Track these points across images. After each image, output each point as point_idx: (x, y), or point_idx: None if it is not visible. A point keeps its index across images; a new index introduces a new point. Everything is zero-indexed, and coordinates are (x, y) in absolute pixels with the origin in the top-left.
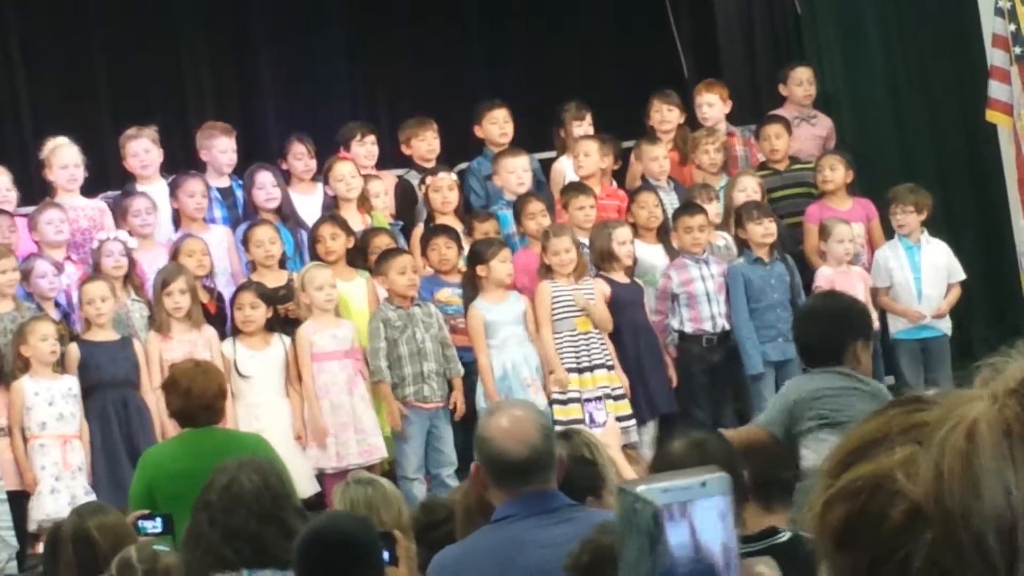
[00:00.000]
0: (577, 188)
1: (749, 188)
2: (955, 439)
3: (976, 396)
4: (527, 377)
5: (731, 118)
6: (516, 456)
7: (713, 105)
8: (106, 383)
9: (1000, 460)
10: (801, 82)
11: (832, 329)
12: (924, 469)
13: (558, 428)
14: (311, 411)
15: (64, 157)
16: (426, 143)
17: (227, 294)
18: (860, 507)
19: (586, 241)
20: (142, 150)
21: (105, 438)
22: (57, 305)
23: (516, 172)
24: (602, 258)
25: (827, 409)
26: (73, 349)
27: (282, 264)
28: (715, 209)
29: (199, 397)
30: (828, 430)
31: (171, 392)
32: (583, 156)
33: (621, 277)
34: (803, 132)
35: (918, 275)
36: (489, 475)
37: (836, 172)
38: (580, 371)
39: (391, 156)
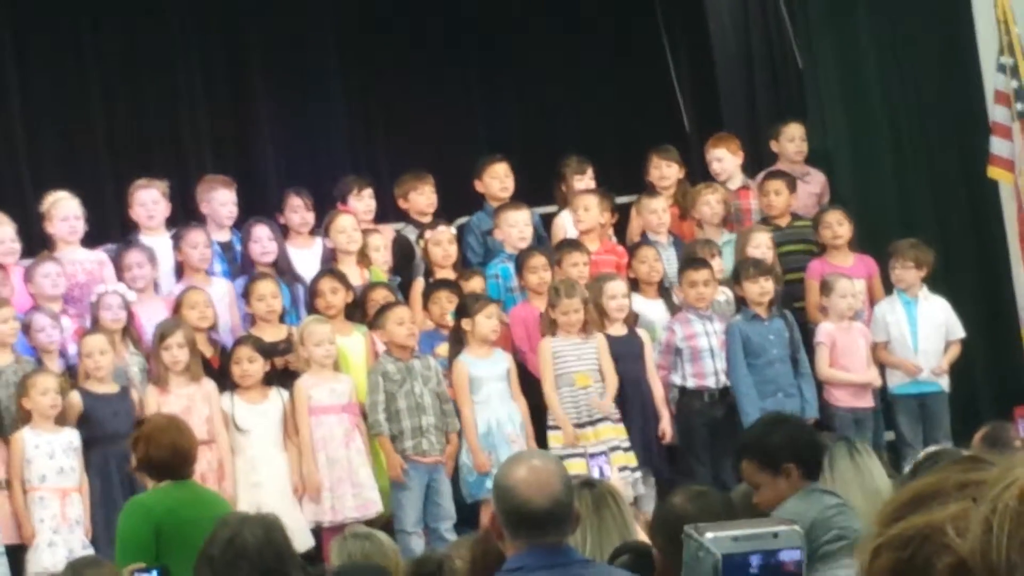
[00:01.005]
0: (571, 245)
1: (763, 244)
2: (1008, 498)
3: None
4: (511, 433)
5: (744, 170)
6: (538, 507)
7: (723, 159)
8: (108, 436)
9: None
10: (793, 138)
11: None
12: (974, 525)
13: (578, 477)
14: (306, 464)
15: (65, 209)
16: (424, 197)
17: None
18: (908, 557)
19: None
20: (150, 201)
21: (105, 492)
22: (62, 355)
23: (518, 226)
24: (596, 311)
25: (839, 527)
26: (75, 398)
27: (281, 318)
28: (717, 264)
29: (183, 448)
30: (847, 553)
31: (151, 443)
32: (583, 211)
33: (617, 330)
34: (797, 189)
35: (915, 330)
36: (506, 524)
37: (843, 227)
38: (582, 426)
39: (389, 210)
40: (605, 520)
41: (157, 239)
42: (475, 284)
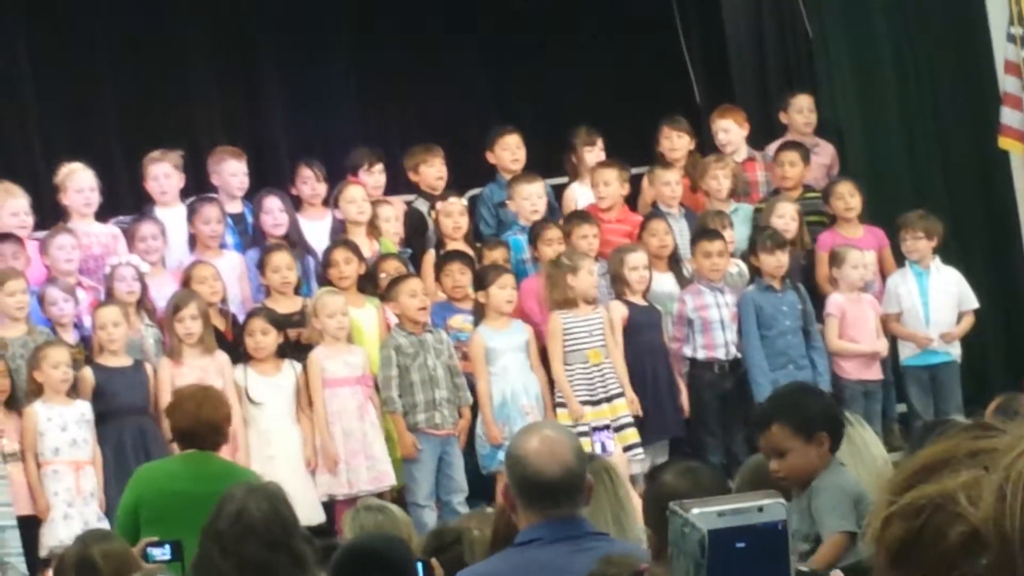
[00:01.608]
0: (579, 217)
1: (787, 215)
2: (1021, 465)
3: None
4: (526, 405)
5: (749, 142)
6: (550, 476)
7: (729, 131)
8: (122, 410)
9: None
10: (801, 109)
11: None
12: (987, 493)
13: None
14: (322, 437)
15: (79, 181)
16: (434, 170)
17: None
18: (919, 526)
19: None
20: (162, 174)
21: (119, 465)
22: (76, 326)
23: (531, 198)
24: (614, 282)
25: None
26: (87, 373)
27: (296, 290)
28: (728, 236)
29: (208, 418)
30: None
31: (177, 411)
32: (603, 185)
33: (638, 300)
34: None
35: (926, 300)
36: (518, 495)
37: (855, 198)
38: (595, 403)
39: (400, 182)
40: (598, 496)
41: (171, 212)
42: (497, 254)
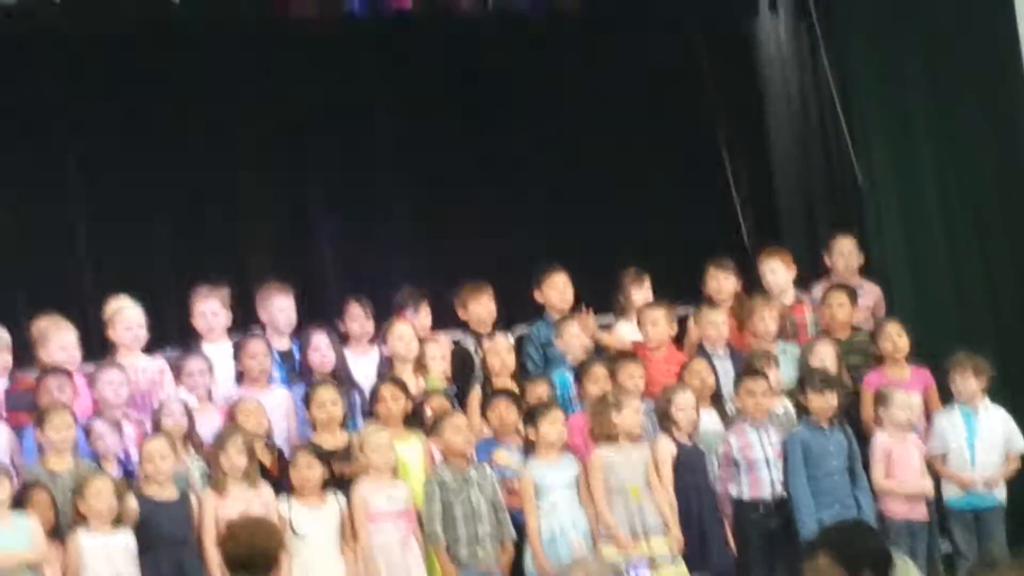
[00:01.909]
0: (626, 356)
1: (828, 357)
2: None
3: None
4: (575, 540)
5: (797, 284)
6: None
7: (776, 272)
8: (164, 541)
9: None
10: (843, 252)
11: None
12: None
13: None
14: (367, 569)
15: (128, 318)
16: (482, 307)
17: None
18: None
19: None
20: (210, 312)
21: None
22: (120, 461)
23: (581, 335)
24: (661, 421)
25: None
26: (132, 502)
27: (342, 425)
28: (775, 375)
29: (263, 547)
30: None
31: (231, 541)
32: (650, 326)
33: (684, 439)
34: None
35: (973, 441)
36: None
37: (903, 339)
38: (635, 537)
39: (448, 319)
40: None
41: (217, 347)
42: (541, 390)
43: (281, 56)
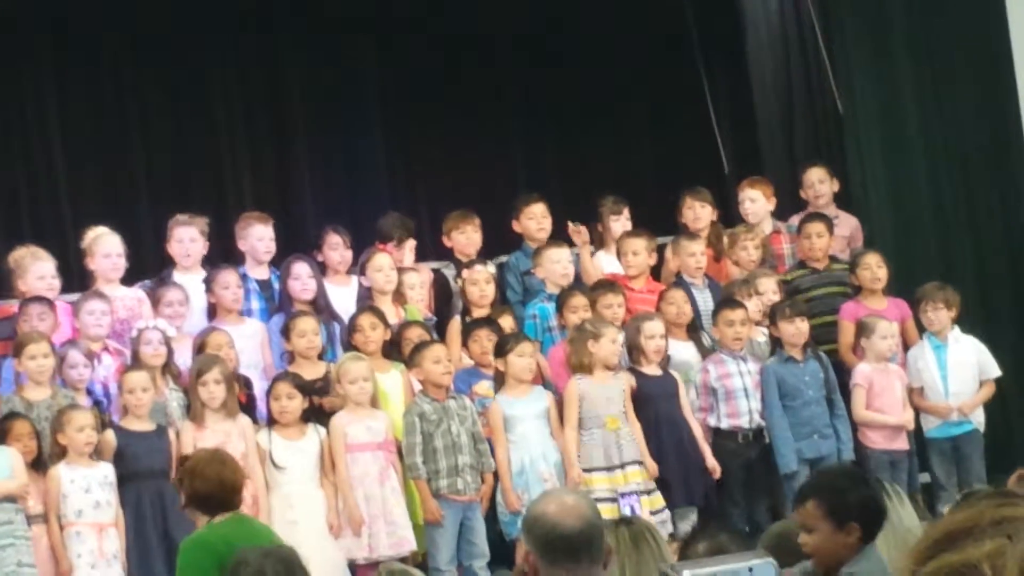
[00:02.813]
0: (606, 285)
1: (769, 290)
2: None
3: None
4: (544, 472)
5: (776, 214)
6: (570, 528)
7: (756, 201)
8: (142, 473)
9: None
10: (812, 184)
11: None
12: (1011, 562)
13: (617, 515)
14: (346, 501)
15: (107, 246)
16: (464, 236)
17: (261, 387)
18: None
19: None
20: (188, 238)
21: (139, 529)
22: (89, 393)
23: (561, 263)
24: (630, 351)
25: None
26: (109, 436)
27: (320, 356)
28: (755, 305)
29: (231, 481)
30: None
31: (198, 477)
32: (631, 255)
33: (652, 370)
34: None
35: (945, 373)
36: (540, 554)
37: (882, 270)
38: (611, 469)
39: (427, 249)
40: (644, 555)
41: (191, 277)
42: (506, 322)
43: None
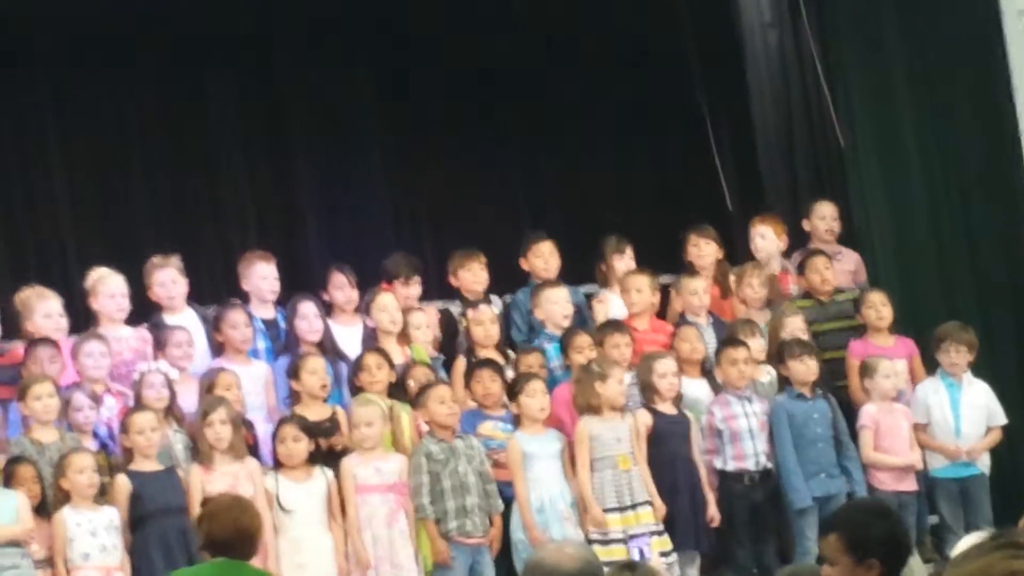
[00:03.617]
0: (613, 326)
1: (798, 329)
2: None
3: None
4: (564, 511)
5: (783, 254)
6: (568, 569)
7: (766, 237)
8: (161, 511)
9: None
10: (824, 217)
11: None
12: None
13: (620, 560)
14: (353, 542)
15: (111, 287)
16: (471, 274)
17: (265, 429)
18: None
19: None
20: (169, 280)
21: (168, 565)
22: (95, 436)
23: (560, 303)
24: (643, 389)
25: None
26: (122, 481)
27: (325, 398)
28: (758, 344)
29: (246, 528)
30: None
31: (213, 521)
32: (635, 292)
33: (667, 408)
34: (832, 268)
35: (957, 413)
36: None
37: (887, 308)
38: (622, 509)
39: (433, 288)
40: None
41: (183, 317)
42: (532, 360)
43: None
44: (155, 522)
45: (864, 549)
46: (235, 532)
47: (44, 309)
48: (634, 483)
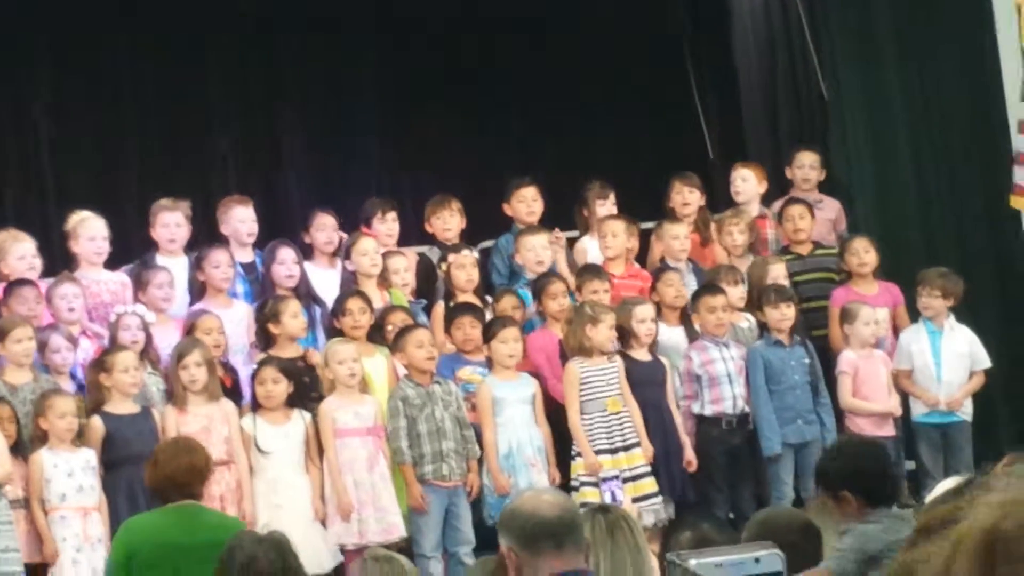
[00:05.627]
0: (591, 271)
1: (780, 276)
2: (967, 540)
3: (988, 503)
4: (530, 456)
5: (763, 200)
6: (548, 515)
7: (747, 180)
8: (133, 457)
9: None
10: (803, 165)
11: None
12: (935, 567)
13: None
14: (336, 486)
15: (91, 229)
16: (442, 221)
17: (246, 371)
18: None
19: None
20: (173, 223)
21: (133, 512)
22: (72, 377)
23: (535, 250)
24: (621, 335)
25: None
26: (96, 423)
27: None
28: (739, 291)
29: (187, 465)
30: None
31: (156, 466)
32: (610, 236)
33: (642, 355)
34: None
35: (939, 360)
36: (523, 547)
37: (870, 255)
38: (613, 451)
39: (413, 233)
40: (619, 545)
41: (175, 261)
42: (506, 304)
43: None
44: (124, 469)
45: (832, 485)
46: (172, 473)
47: (17, 251)
48: (623, 425)
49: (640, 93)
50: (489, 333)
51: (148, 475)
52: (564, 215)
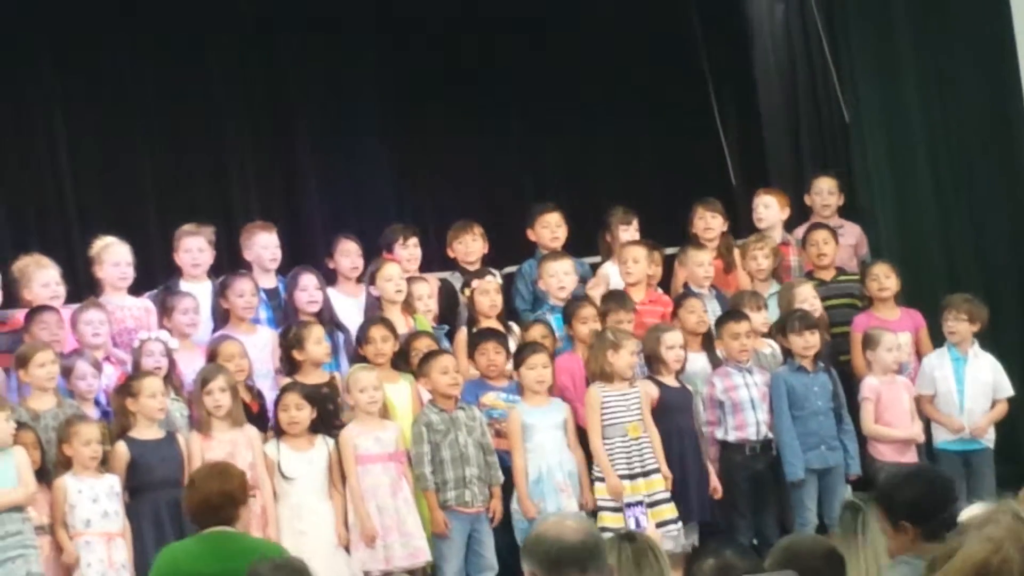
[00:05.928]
0: (617, 300)
1: (809, 298)
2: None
3: (980, 537)
4: (561, 482)
5: (785, 226)
6: (572, 541)
7: (770, 207)
8: (157, 483)
9: None
10: (821, 192)
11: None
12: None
13: (618, 530)
14: (359, 513)
15: (116, 255)
16: (464, 246)
17: (272, 396)
18: None
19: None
20: (196, 248)
21: (158, 538)
22: (97, 404)
23: (557, 276)
24: (649, 361)
25: None
26: (122, 448)
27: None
28: (762, 317)
29: (220, 490)
30: None
31: (191, 492)
32: (631, 263)
33: (671, 381)
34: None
35: (962, 388)
36: (546, 572)
37: (890, 280)
38: (632, 477)
39: (435, 258)
40: (645, 574)
41: (198, 286)
42: (535, 332)
43: None
44: (149, 494)
45: (895, 513)
46: (206, 499)
47: (41, 278)
48: (643, 451)
49: (660, 116)
50: (519, 359)
51: (184, 501)
52: (583, 241)
